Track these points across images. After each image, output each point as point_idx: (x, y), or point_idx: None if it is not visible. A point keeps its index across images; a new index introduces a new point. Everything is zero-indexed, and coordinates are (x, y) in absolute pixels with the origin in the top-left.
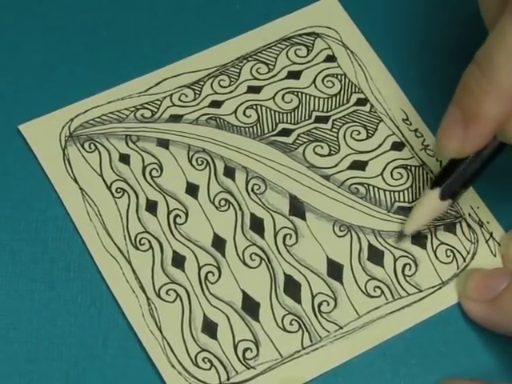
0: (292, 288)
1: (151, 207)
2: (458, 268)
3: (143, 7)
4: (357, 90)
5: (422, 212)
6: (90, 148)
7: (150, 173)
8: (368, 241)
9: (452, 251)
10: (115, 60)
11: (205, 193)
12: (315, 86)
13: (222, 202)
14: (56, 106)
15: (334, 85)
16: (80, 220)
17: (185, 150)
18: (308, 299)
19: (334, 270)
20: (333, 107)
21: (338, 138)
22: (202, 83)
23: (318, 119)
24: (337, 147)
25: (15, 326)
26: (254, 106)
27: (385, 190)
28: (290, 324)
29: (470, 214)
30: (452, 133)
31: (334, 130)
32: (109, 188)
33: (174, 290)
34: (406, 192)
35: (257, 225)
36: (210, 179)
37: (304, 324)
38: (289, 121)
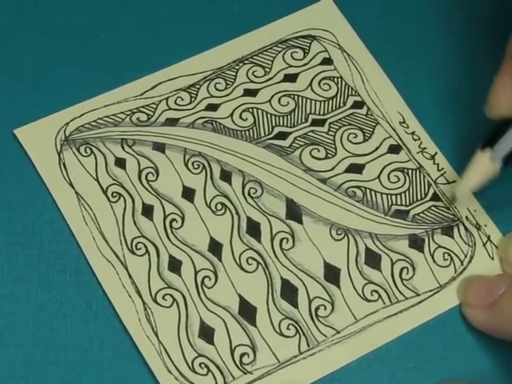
0: (289, 292)
1: (147, 211)
2: (455, 271)
3: (140, 9)
4: (353, 92)
5: (473, 173)
6: (86, 152)
7: (146, 177)
8: (365, 244)
9: (449, 255)
10: (111, 62)
11: (201, 197)
12: (312, 88)
13: (219, 206)
14: (52, 108)
15: (330, 88)
16: (76, 224)
17: (181, 154)
18: (305, 303)
19: (331, 274)
20: (329, 110)
21: (334, 141)
22: (198, 86)
23: (315, 122)
24: (333, 150)
25: (11, 330)
26: (251, 110)
27: (382, 193)
28: (287, 328)
29: (467, 217)
30: (504, 90)
31: (330, 133)
32: (105, 192)
33: (171, 295)
34: (403, 195)
35: (253, 229)
36: (206, 183)
37: (301, 328)
38: (285, 124)
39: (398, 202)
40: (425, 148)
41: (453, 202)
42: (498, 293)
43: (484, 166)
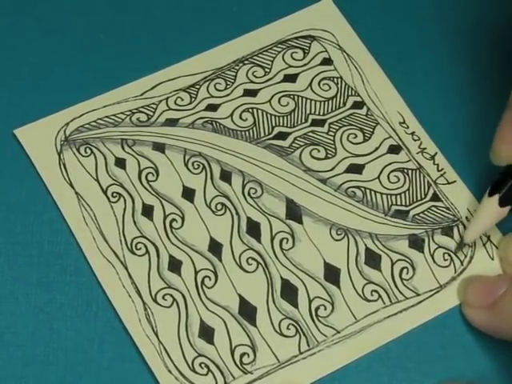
0: (289, 292)
1: (147, 211)
2: (455, 271)
3: (140, 10)
4: (353, 93)
5: (482, 220)
6: (86, 152)
7: (146, 177)
8: (365, 244)
9: (449, 255)
10: (111, 63)
11: (201, 197)
12: (311, 89)
13: (219, 206)
14: (52, 109)
15: (330, 88)
16: (76, 224)
17: (181, 154)
18: (305, 303)
19: (331, 274)
20: (329, 110)
21: (334, 141)
22: (197, 87)
23: (315, 122)
24: (333, 150)
25: (11, 330)
26: (251, 110)
27: (382, 194)
28: (287, 328)
29: (467, 217)
30: (508, 137)
31: (330, 133)
32: (105, 192)
33: (171, 295)
34: (402, 195)
35: (253, 229)
36: (206, 183)
37: (301, 328)
38: (285, 124)
39: (398, 202)
40: (425, 148)
41: (460, 247)
42: (498, 293)
43: (492, 211)
